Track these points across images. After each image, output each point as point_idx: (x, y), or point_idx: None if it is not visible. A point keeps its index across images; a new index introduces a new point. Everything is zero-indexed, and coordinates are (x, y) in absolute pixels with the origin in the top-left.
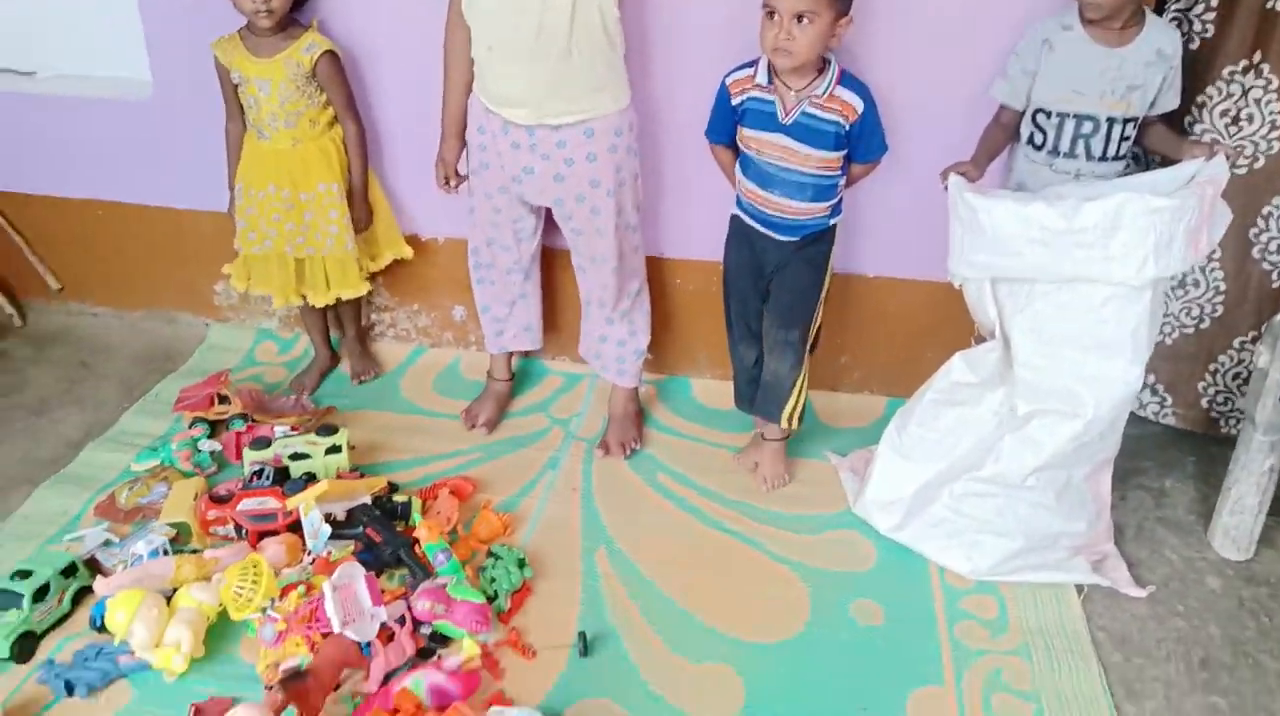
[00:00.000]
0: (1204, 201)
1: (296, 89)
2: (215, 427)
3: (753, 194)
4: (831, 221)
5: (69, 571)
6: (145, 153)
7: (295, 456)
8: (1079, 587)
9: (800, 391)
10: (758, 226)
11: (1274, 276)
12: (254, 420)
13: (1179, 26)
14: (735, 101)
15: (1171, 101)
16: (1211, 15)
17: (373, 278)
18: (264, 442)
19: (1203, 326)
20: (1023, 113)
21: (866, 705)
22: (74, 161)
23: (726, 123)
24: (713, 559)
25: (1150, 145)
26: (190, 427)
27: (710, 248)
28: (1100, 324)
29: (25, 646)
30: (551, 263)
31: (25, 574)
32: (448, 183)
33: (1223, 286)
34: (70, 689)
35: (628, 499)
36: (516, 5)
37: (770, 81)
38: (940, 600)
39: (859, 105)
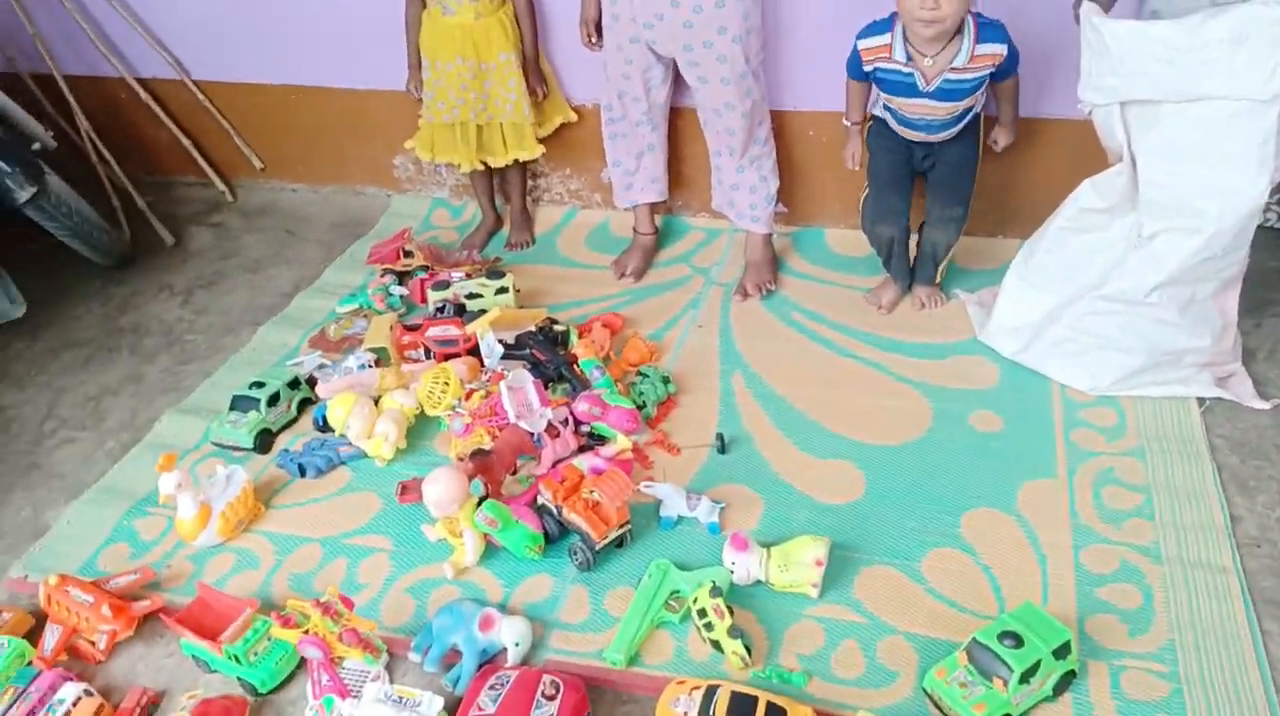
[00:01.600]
0: None
1: None
2: (402, 277)
3: (898, 128)
4: (979, 109)
5: (294, 384)
6: (331, 38)
7: (470, 295)
8: (1200, 400)
9: (952, 253)
10: (908, 131)
11: None
12: (434, 269)
13: None
14: (868, 69)
15: None
16: None
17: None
18: (444, 285)
19: None
20: None
21: (981, 493)
22: (271, 50)
23: (861, 70)
24: (841, 380)
25: None
26: (381, 277)
27: (837, 99)
28: (1226, 139)
29: (264, 440)
30: (680, 121)
31: (260, 384)
32: (590, 40)
33: None
34: (303, 471)
35: (763, 332)
36: None
37: (908, 59)
38: (1059, 411)
39: (1002, 50)
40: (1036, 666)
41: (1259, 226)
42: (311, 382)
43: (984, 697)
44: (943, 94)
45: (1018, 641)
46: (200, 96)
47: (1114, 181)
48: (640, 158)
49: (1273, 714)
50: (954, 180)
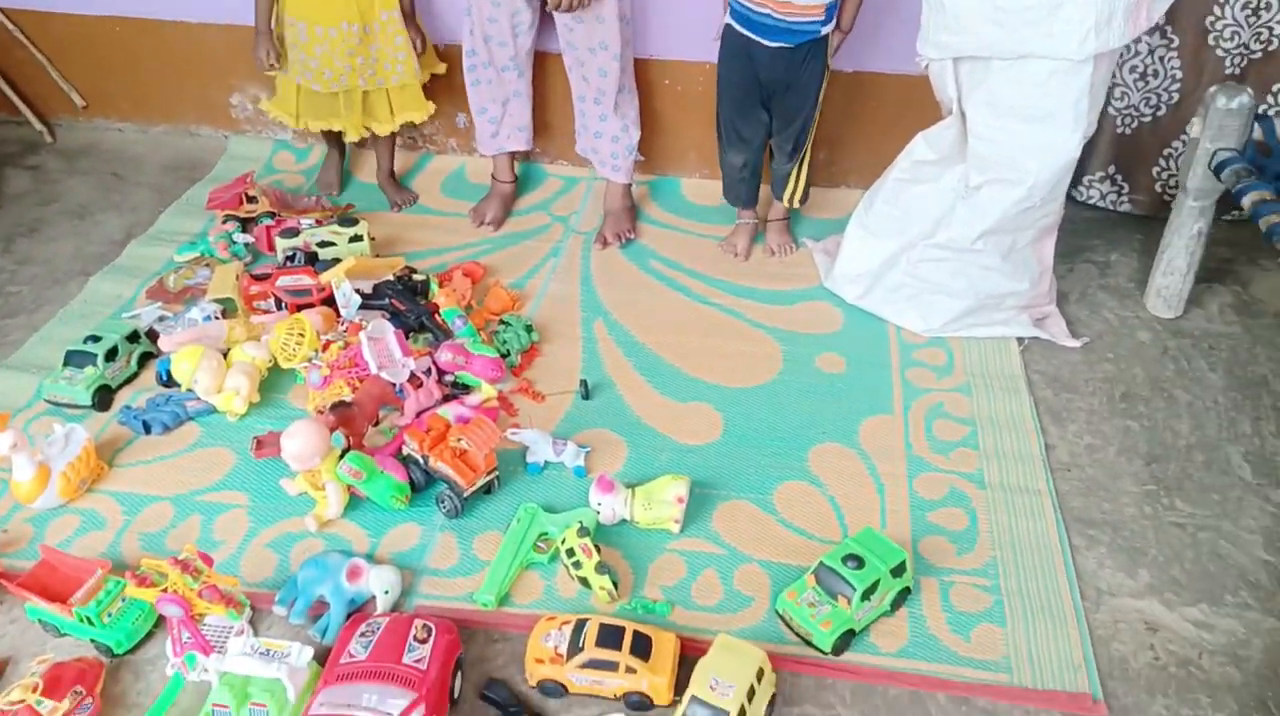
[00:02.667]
0: None
1: None
2: (246, 224)
3: (743, 31)
4: (824, 29)
5: (133, 338)
6: None
7: (322, 243)
8: (1019, 340)
9: (799, 179)
10: (753, 35)
11: (1227, 63)
12: (281, 216)
13: None
14: None
15: None
16: None
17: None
18: (293, 232)
19: (1159, 114)
20: None
21: (826, 429)
22: None
23: None
24: (697, 326)
25: None
26: (224, 223)
27: (698, 49)
28: (1045, 96)
29: (103, 397)
30: (543, 66)
31: (96, 338)
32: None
33: (1179, 74)
34: (147, 428)
35: (622, 280)
36: None
37: None
38: (896, 352)
39: None
40: (876, 585)
41: (1088, 204)
42: (152, 336)
43: (830, 615)
44: None
45: (859, 563)
46: (10, 26)
47: (944, 134)
48: (506, 104)
49: (1079, 618)
50: (795, 116)
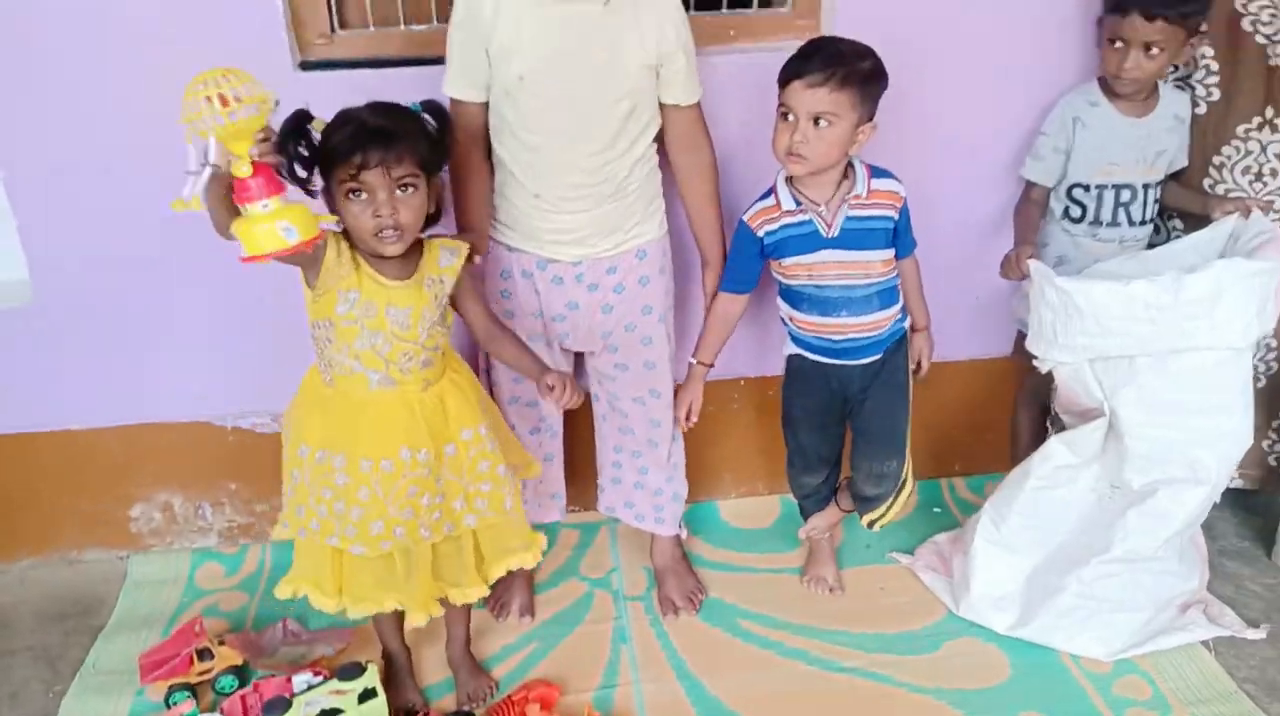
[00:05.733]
0: None
1: (437, 310)
2: (197, 691)
3: (817, 326)
4: (906, 323)
5: None
6: (26, 369)
7: (326, 714)
8: (1205, 643)
9: (895, 504)
10: (831, 361)
11: None
12: (247, 670)
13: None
14: (762, 235)
15: (1183, 160)
16: (1214, 79)
17: None
18: (283, 705)
19: (1259, 385)
20: (1052, 189)
21: None
22: None
23: (750, 266)
24: (849, 707)
25: (1170, 203)
26: (171, 706)
27: (726, 365)
28: (1211, 387)
29: None
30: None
31: None
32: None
33: (1273, 342)
34: None
35: (724, 659)
36: (574, 147)
37: (799, 204)
38: (1094, 694)
39: (900, 190)
40: None
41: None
42: None
43: None
44: (850, 239)
45: None
46: None
47: (1090, 437)
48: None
49: None
50: (888, 431)
